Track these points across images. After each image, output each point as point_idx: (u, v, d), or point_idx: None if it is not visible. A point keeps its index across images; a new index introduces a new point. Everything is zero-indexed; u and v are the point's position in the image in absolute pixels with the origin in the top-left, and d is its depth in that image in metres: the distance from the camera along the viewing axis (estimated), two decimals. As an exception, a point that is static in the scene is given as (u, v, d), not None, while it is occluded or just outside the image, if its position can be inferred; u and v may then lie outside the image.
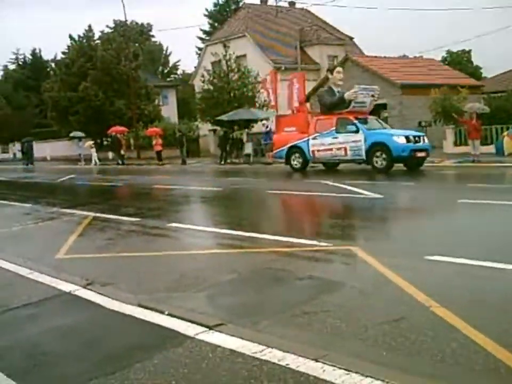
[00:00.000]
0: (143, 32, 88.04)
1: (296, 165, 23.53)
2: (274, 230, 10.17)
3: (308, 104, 37.27)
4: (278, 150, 24.85)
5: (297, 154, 23.48)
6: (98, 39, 55.96)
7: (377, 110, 34.70)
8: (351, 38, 52.69)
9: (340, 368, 4.10)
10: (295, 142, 23.45)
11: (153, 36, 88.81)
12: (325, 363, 4.19)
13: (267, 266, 7.54)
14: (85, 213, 13.90)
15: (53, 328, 5.53)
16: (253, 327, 5.19)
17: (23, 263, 8.36)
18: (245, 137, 31.96)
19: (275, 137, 25.85)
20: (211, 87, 36.42)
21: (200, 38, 78.15)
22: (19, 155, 56.72)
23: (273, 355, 4.41)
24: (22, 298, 6.59)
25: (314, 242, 8.71)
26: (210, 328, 5.07)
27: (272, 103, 31.76)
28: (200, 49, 67.41)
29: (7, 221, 13.74)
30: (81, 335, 5.32)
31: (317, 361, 4.24)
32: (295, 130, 24.03)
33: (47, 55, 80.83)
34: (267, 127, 31.06)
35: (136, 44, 74.12)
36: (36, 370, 4.54)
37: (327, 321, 5.30)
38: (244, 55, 42.59)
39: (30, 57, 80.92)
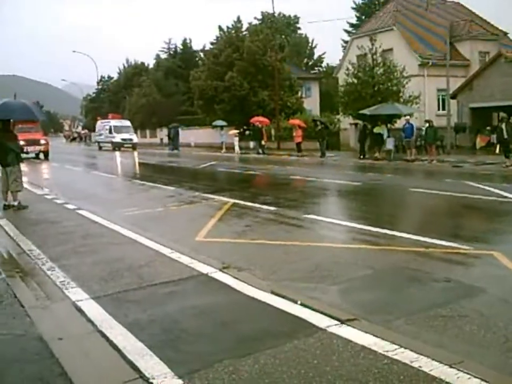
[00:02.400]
0: (289, 24, 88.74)
1: None
2: (412, 228, 9.93)
3: (454, 102, 35.97)
4: None
5: None
6: (246, 30, 57.08)
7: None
8: (505, 33, 49.91)
9: (476, 377, 3.95)
10: None
11: (299, 28, 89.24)
12: (460, 370, 4.05)
13: (403, 265, 7.39)
14: (225, 199, 14.31)
15: (190, 306, 5.77)
16: (385, 325, 5.12)
17: (166, 242, 8.79)
18: (385, 133, 31.31)
19: None
20: (355, 81, 35.96)
21: (347, 31, 77.55)
22: (166, 140, 59.18)
23: (405, 356, 4.33)
24: (163, 275, 6.94)
25: (454, 244, 8.40)
26: (342, 322, 5.06)
27: None
28: (346, 42, 66.96)
29: (152, 202, 14.46)
30: (215, 316, 5.50)
31: (451, 367, 4.11)
32: None
33: (196, 45, 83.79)
34: (408, 122, 30.02)
35: (283, 36, 74.97)
36: (173, 345, 4.77)
37: (464, 327, 5.11)
38: (391, 49, 41.62)
39: (181, 47, 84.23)
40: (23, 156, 34.03)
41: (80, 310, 5.71)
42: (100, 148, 57.04)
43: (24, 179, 14.81)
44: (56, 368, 4.34)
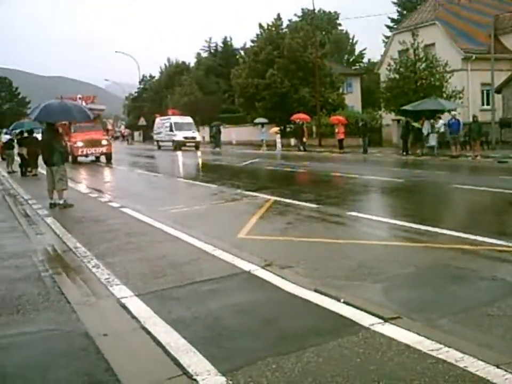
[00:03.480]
0: (330, 20, 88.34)
1: None
2: (456, 225, 9.77)
3: (499, 96, 35.26)
4: None
5: None
6: (286, 27, 57.05)
7: None
8: (553, 26, 48.58)
9: (525, 378, 3.86)
10: None
11: (340, 24, 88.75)
12: (507, 371, 3.97)
13: (447, 263, 7.28)
14: (267, 196, 14.33)
15: (232, 304, 5.80)
16: (429, 323, 5.05)
17: (208, 240, 8.85)
18: (429, 129, 30.85)
19: None
20: (397, 76, 35.62)
21: (388, 26, 76.80)
22: (207, 138, 59.35)
23: (450, 355, 4.27)
24: (205, 273, 6.99)
25: (500, 241, 8.23)
26: (385, 320, 5.02)
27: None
28: (387, 37, 66.26)
29: (195, 200, 14.57)
30: (258, 313, 5.52)
31: (498, 367, 4.03)
32: None
33: (236, 43, 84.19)
34: (453, 118, 29.44)
35: (323, 32, 74.62)
36: (216, 342, 4.80)
37: (512, 326, 5.01)
38: (433, 44, 40.98)
39: (221, 45, 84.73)
40: (82, 159, 32.07)
41: (124, 307, 5.80)
42: (159, 147, 53.07)
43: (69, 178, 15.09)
44: (102, 364, 4.42)
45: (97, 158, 33.31)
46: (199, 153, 40.89)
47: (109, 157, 32.41)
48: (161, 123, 54.19)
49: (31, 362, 4.58)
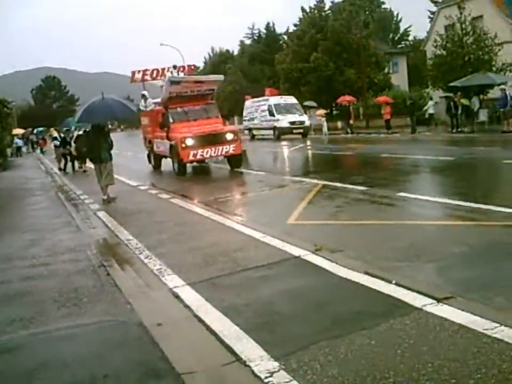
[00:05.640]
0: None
1: None
2: (510, 202, 9.53)
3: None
4: None
5: None
6: (329, 9, 56.48)
7: None
8: None
9: None
10: None
11: (383, 3, 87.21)
12: None
13: (501, 240, 7.12)
14: (315, 181, 14.26)
15: (283, 289, 5.81)
16: (484, 302, 4.95)
17: (257, 227, 8.88)
18: (477, 104, 30.12)
19: None
20: (444, 52, 34.88)
21: (433, 1, 74.88)
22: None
23: (506, 334, 4.19)
24: (256, 260, 7.01)
25: (557, 217, 8.01)
26: (438, 300, 4.95)
27: None
28: (432, 13, 64.83)
29: (243, 187, 14.66)
30: (309, 298, 5.51)
31: (556, 346, 3.92)
32: None
33: (279, 29, 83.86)
34: (503, 92, 28.64)
35: (367, 12, 73.53)
36: (268, 328, 4.82)
37: None
38: (480, 16, 39.81)
39: (264, 31, 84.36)
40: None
41: (177, 296, 5.88)
42: (253, 136, 43.31)
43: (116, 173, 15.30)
44: (157, 353, 4.50)
45: (202, 161, 21.26)
46: (308, 141, 34.05)
47: (237, 161, 19.75)
48: (254, 106, 43.60)
49: (89, 351, 4.70)
